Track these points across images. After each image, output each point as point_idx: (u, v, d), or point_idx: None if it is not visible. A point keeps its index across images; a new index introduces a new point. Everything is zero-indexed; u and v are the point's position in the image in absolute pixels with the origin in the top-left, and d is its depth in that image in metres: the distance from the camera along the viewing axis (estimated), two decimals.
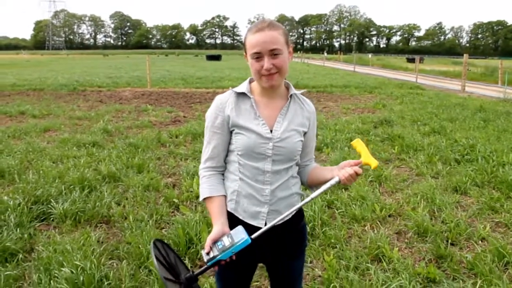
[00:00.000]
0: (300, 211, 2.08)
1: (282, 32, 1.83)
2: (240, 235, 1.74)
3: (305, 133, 2.00)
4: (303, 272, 2.29)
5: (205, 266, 1.76)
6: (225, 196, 1.96)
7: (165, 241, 1.91)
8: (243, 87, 1.94)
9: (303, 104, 2.02)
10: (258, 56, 1.81)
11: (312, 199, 1.87)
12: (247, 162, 1.90)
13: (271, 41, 1.79)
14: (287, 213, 1.86)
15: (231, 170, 1.97)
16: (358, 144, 1.94)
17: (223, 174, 2.01)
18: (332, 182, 1.84)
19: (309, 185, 2.06)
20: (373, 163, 1.87)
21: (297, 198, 2.04)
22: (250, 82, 1.98)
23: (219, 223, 1.85)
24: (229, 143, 1.96)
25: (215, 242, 1.77)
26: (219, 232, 1.80)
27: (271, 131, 1.89)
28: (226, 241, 1.74)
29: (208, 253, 1.75)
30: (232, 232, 1.78)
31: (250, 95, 1.92)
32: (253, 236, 1.76)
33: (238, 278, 2.10)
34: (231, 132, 1.94)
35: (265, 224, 1.92)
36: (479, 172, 6.20)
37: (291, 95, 1.97)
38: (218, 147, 1.95)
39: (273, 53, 1.80)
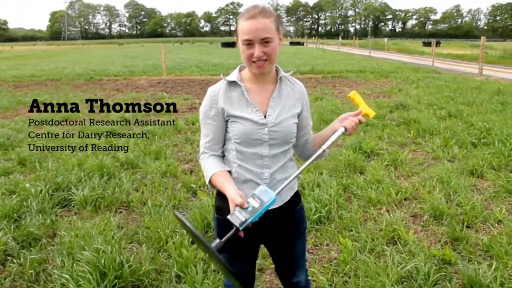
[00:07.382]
0: (297, 196, 2.14)
1: (273, 20, 1.83)
2: (267, 194, 1.73)
3: (299, 115, 2.03)
4: (306, 253, 2.34)
5: (233, 230, 1.70)
6: (229, 171, 1.97)
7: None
8: (233, 76, 1.96)
9: (294, 86, 2.04)
10: (249, 43, 1.82)
11: (323, 150, 1.89)
12: (244, 149, 1.94)
13: (263, 29, 1.79)
14: (297, 173, 1.87)
15: (229, 158, 2.00)
16: (355, 96, 1.98)
17: (222, 158, 2.05)
18: (339, 132, 1.88)
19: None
20: (371, 113, 1.96)
21: (295, 180, 2.11)
22: (240, 70, 2.00)
23: (229, 187, 1.84)
24: (226, 131, 1.99)
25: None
26: (235, 193, 1.78)
27: (265, 116, 1.92)
28: (254, 203, 1.71)
29: (237, 217, 1.70)
30: (256, 192, 1.75)
31: (240, 83, 1.94)
32: (276, 192, 1.77)
33: (244, 259, 2.18)
34: (226, 121, 1.96)
35: None
36: (495, 155, 6.16)
37: (280, 78, 1.99)
38: (216, 138, 1.99)
39: (264, 41, 1.81)
